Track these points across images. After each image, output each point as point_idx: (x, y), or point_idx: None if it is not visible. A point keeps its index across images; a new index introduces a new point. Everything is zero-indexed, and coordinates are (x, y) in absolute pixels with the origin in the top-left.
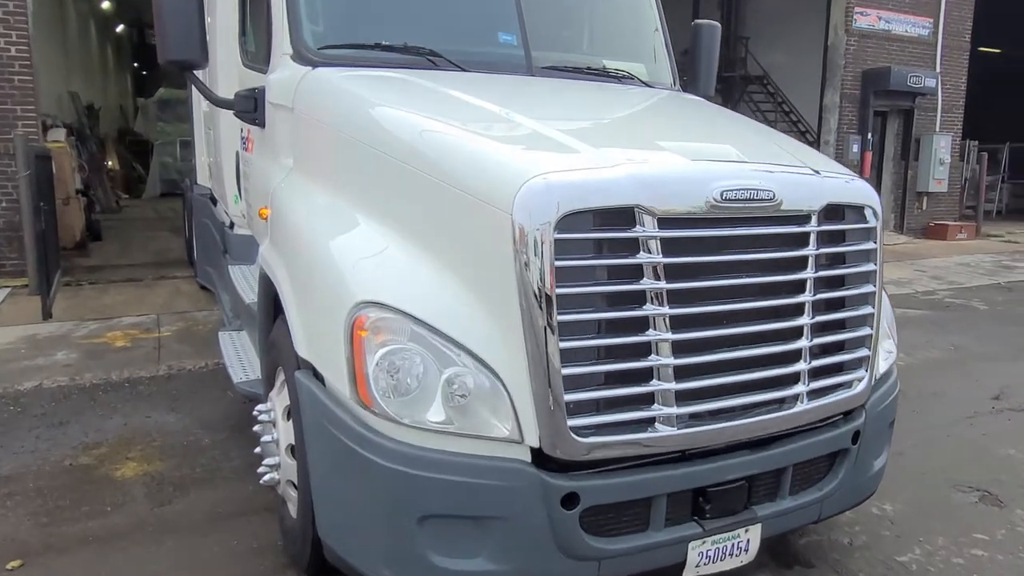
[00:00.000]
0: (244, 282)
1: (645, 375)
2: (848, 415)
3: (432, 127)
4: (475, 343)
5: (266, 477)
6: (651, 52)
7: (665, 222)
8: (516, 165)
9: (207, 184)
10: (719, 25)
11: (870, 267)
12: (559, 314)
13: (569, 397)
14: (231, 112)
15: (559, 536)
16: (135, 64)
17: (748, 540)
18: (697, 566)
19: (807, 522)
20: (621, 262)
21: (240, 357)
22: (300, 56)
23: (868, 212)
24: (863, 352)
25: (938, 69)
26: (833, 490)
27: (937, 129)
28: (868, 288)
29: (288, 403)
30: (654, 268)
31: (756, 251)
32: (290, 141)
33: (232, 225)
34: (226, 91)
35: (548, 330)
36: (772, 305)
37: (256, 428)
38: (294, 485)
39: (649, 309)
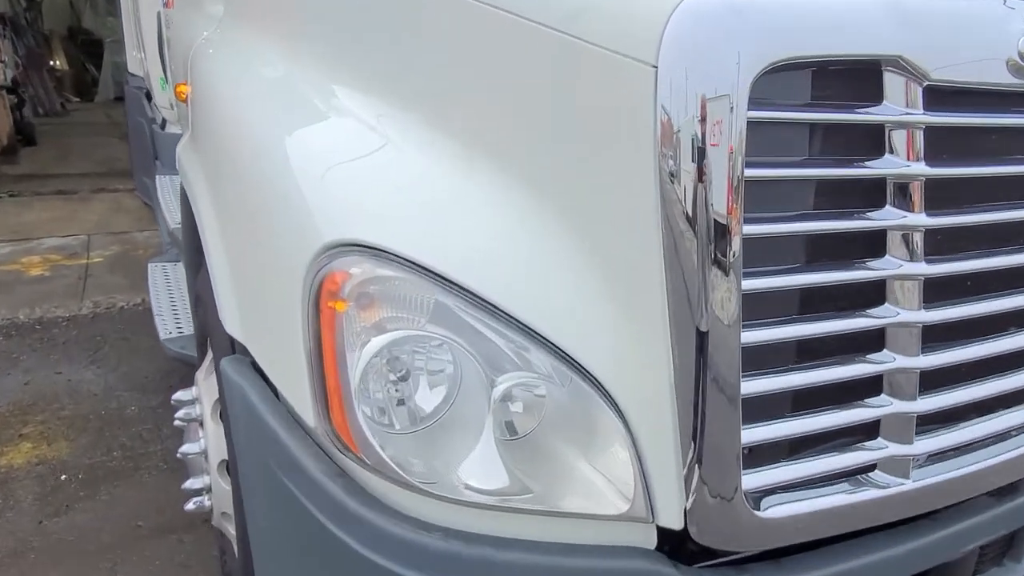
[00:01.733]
0: (171, 197)
1: (866, 388)
2: None
3: None
4: (558, 327)
5: (191, 504)
6: None
7: (936, 96)
8: None
9: (139, 72)
10: None
11: None
12: (746, 276)
13: (749, 435)
14: None
15: None
16: None
17: None
18: None
19: None
20: (851, 174)
21: (174, 300)
22: None
23: None
24: None
25: None
26: None
27: None
28: None
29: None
30: (905, 188)
31: None
32: None
33: (164, 123)
34: None
35: (722, 300)
36: None
37: (177, 423)
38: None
39: (890, 266)
